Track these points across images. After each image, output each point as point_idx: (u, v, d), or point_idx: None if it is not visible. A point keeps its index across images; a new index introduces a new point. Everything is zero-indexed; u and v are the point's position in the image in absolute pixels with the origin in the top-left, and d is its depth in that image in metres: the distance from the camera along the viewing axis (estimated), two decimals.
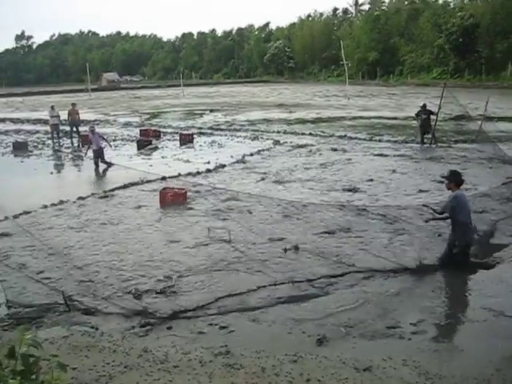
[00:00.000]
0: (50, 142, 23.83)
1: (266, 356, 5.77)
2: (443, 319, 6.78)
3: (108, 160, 17.16)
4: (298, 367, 5.54)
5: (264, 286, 7.62)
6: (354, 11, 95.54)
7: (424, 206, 9.23)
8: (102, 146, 17.29)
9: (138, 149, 20.98)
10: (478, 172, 14.93)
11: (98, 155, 16.96)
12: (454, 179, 8.26)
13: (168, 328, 6.53)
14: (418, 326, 6.46)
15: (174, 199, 12.35)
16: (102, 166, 16.97)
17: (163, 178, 14.79)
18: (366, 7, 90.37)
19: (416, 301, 7.26)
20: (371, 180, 14.21)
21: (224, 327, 6.51)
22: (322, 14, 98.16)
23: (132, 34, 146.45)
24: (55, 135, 23.98)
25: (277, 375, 5.39)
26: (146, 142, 21.98)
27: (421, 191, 12.92)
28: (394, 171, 15.38)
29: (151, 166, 17.34)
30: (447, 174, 8.39)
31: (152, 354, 5.86)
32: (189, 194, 12.74)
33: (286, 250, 9.03)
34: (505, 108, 30.76)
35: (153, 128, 26.12)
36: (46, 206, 12.17)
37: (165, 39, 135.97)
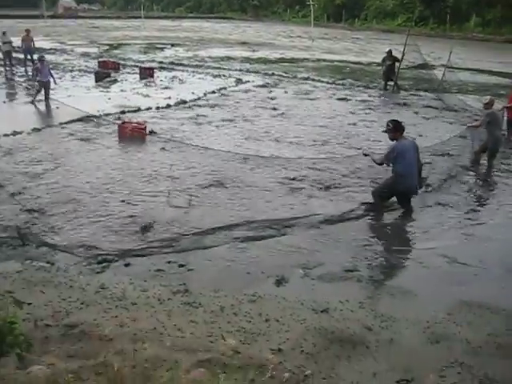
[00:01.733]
0: (1, 69, 22.57)
1: (225, 295, 5.77)
2: (399, 265, 6.89)
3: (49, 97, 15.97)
4: (257, 307, 5.56)
5: (222, 227, 7.52)
6: None
7: (364, 154, 9.14)
8: (50, 79, 16.24)
9: (96, 81, 20.20)
10: (436, 121, 15.11)
11: (46, 88, 16.04)
12: (398, 128, 8.28)
13: (125, 265, 6.43)
14: (374, 271, 6.56)
15: (133, 133, 12.01)
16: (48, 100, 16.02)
17: (122, 112, 14.39)
18: None
19: (373, 245, 7.33)
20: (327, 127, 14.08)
21: (183, 265, 6.44)
22: None
23: None
24: (8, 63, 22.87)
25: (235, 314, 5.40)
26: (105, 74, 21.17)
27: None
28: (353, 114, 15.43)
29: (109, 99, 16.78)
30: (389, 126, 8.33)
31: (109, 291, 5.76)
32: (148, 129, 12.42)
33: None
34: (466, 59, 30.93)
35: (112, 60, 25.17)
36: None
37: None
